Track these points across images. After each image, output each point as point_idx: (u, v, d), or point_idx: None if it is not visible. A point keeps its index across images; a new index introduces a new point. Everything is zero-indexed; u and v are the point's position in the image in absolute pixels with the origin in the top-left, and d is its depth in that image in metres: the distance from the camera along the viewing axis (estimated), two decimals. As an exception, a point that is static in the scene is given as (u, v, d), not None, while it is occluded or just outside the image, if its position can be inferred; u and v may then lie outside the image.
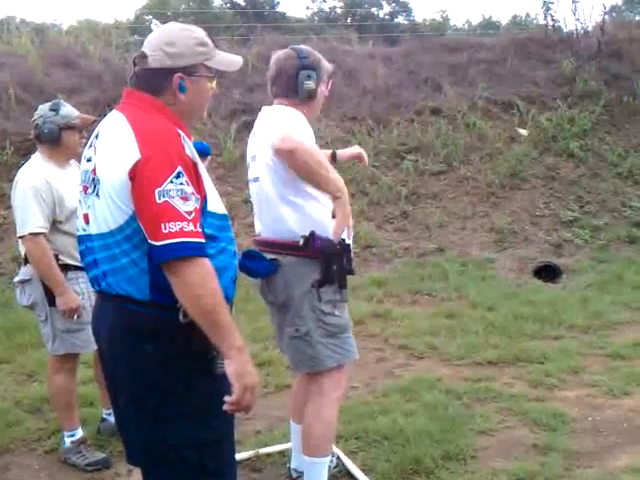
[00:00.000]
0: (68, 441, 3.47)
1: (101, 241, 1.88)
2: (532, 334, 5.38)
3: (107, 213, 1.85)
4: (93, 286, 2.02)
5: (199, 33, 1.98)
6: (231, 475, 2.03)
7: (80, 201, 2.01)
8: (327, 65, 2.86)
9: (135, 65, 1.97)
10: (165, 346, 1.86)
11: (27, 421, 3.95)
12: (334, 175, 2.62)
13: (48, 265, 3.24)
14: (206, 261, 1.79)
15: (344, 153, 3.28)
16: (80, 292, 3.32)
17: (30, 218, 3.22)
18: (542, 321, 5.63)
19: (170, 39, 1.93)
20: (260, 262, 2.72)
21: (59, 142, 3.36)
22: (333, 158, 3.20)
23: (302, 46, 2.87)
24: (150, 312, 1.86)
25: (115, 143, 1.86)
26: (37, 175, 3.29)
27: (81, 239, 2.01)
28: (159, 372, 1.87)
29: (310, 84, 2.75)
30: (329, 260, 2.68)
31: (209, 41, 1.99)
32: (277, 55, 2.83)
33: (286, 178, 2.67)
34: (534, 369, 4.59)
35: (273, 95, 2.86)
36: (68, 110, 3.41)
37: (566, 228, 8.10)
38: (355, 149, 3.32)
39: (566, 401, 4.05)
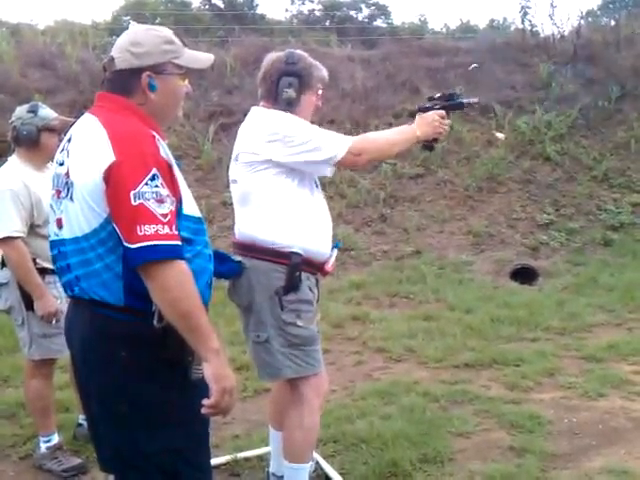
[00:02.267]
0: (44, 447, 3.44)
1: (75, 245, 1.87)
2: (509, 336, 5.42)
3: (81, 217, 1.83)
4: (66, 291, 2.00)
5: (165, 32, 1.98)
6: (207, 480, 2.02)
7: (52, 206, 1.99)
8: (321, 74, 2.77)
9: (105, 70, 1.97)
10: (139, 352, 1.85)
11: (2, 427, 3.90)
12: None
13: (26, 269, 3.20)
14: (183, 264, 1.78)
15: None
16: (58, 296, 3.28)
17: (7, 222, 3.18)
18: (518, 323, 5.68)
19: (135, 39, 1.93)
20: (225, 263, 2.64)
21: (37, 144, 3.32)
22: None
23: (297, 51, 2.78)
24: (124, 317, 1.85)
25: (89, 146, 1.84)
26: (15, 178, 3.25)
27: (53, 244, 1.99)
28: (133, 378, 1.86)
29: (289, 92, 2.67)
30: (296, 267, 2.64)
31: (176, 39, 1.98)
32: (269, 57, 2.76)
33: (262, 184, 2.65)
34: (510, 371, 4.62)
35: (259, 96, 2.80)
36: (46, 112, 3.38)
37: (542, 231, 8.18)
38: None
39: (542, 403, 4.09)
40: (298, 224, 2.66)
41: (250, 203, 2.70)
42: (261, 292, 2.65)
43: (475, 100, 3.08)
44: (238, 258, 2.69)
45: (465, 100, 3.03)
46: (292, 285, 2.64)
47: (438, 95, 3.03)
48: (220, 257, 2.65)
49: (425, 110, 2.91)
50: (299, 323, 2.67)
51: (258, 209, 2.68)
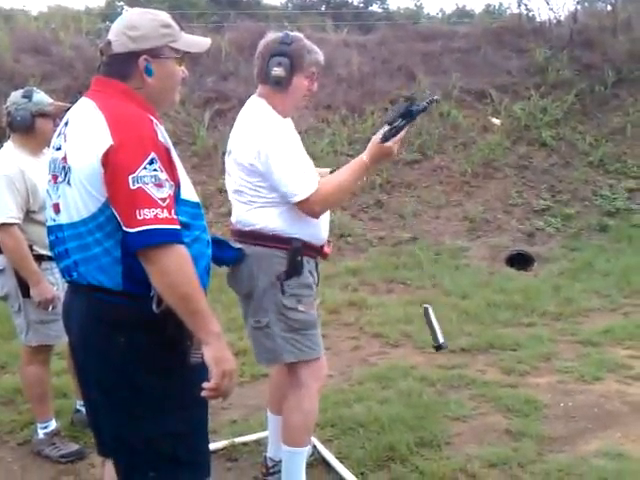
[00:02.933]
0: (41, 433, 3.44)
1: (73, 230, 1.86)
2: (505, 321, 5.44)
3: (79, 201, 1.82)
4: (64, 276, 2.00)
5: (162, 15, 1.96)
6: (205, 465, 2.03)
7: (48, 191, 1.98)
8: (315, 58, 2.71)
9: (102, 54, 1.95)
10: (138, 336, 1.85)
11: (-1, 413, 3.91)
12: None
13: (22, 255, 3.19)
14: (182, 248, 1.78)
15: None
16: (55, 283, 3.27)
17: (3, 208, 3.16)
18: (515, 309, 5.70)
19: (132, 23, 1.92)
20: (225, 250, 2.66)
21: (32, 130, 3.30)
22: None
23: (293, 33, 2.73)
24: (123, 302, 1.85)
25: (86, 130, 1.83)
26: (10, 164, 3.23)
27: (51, 229, 1.98)
28: (131, 363, 1.86)
29: (278, 71, 2.62)
30: (297, 251, 2.65)
31: (173, 23, 1.96)
32: (265, 37, 2.73)
33: (257, 185, 2.64)
34: (507, 356, 4.64)
35: (255, 78, 2.76)
36: (41, 97, 3.35)
37: (538, 217, 8.18)
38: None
39: (538, 387, 4.11)
40: (296, 211, 2.65)
41: (247, 195, 2.69)
42: (262, 278, 2.65)
43: (436, 97, 2.86)
44: (238, 245, 2.69)
45: (426, 101, 2.75)
46: (294, 270, 2.65)
47: (397, 107, 2.79)
48: (220, 244, 2.65)
49: (392, 129, 2.67)
50: (300, 308, 2.68)
51: (256, 199, 2.67)
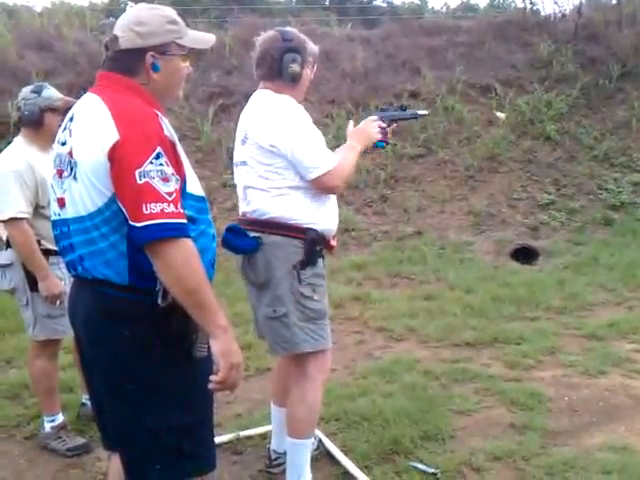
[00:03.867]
0: (48, 426, 3.46)
1: (78, 224, 1.87)
2: (509, 315, 5.44)
3: (85, 196, 1.83)
4: (69, 271, 2.01)
5: (169, 12, 1.97)
6: (210, 458, 2.04)
7: (53, 185, 1.99)
8: (313, 48, 2.82)
9: (107, 49, 1.96)
10: (143, 330, 1.86)
11: (6, 407, 3.92)
12: None
13: (31, 250, 3.21)
14: (189, 241, 1.79)
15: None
16: (62, 277, 3.29)
17: (12, 202, 3.18)
18: (519, 303, 5.70)
19: (139, 19, 1.92)
20: (243, 239, 2.69)
21: (41, 124, 3.32)
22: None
23: (287, 28, 2.83)
24: (128, 296, 1.86)
25: (92, 125, 1.84)
26: (20, 159, 3.25)
27: (55, 224, 1.99)
28: (137, 356, 1.87)
29: (295, 67, 2.71)
30: (313, 241, 2.69)
31: (179, 19, 1.97)
32: (262, 37, 2.79)
33: (278, 167, 2.67)
34: (511, 350, 4.65)
35: (258, 77, 2.82)
36: (50, 92, 3.38)
37: (543, 211, 8.17)
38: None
39: (543, 381, 4.12)
40: (312, 201, 2.70)
41: (268, 180, 2.71)
42: (280, 267, 2.68)
43: (425, 112, 3.30)
44: (254, 234, 2.71)
45: (419, 112, 3.27)
46: (310, 259, 2.69)
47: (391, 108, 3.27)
48: (237, 232, 2.67)
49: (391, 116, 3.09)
50: (315, 297, 2.72)
51: (277, 184, 2.69)
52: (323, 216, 2.75)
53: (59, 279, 3.28)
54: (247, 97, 2.87)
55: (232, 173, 3.00)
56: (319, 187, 2.68)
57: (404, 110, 3.14)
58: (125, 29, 1.92)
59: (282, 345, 2.79)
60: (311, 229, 2.69)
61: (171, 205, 1.75)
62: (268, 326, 2.79)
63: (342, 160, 2.73)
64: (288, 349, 2.80)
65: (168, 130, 1.87)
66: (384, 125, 3.01)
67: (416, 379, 4.11)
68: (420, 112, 3.26)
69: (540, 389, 3.95)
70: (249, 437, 3.45)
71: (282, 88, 2.75)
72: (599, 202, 8.33)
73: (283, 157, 2.65)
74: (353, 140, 2.88)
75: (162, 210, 1.74)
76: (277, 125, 2.65)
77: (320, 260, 2.76)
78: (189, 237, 1.80)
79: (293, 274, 2.67)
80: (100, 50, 1.98)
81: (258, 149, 2.70)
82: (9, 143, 3.48)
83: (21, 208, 3.19)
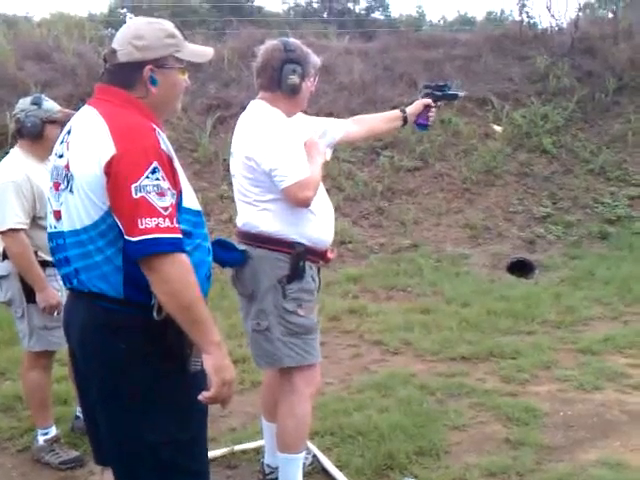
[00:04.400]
0: (41, 439, 3.45)
1: (74, 238, 1.87)
2: (505, 329, 5.43)
3: (81, 209, 1.84)
4: (65, 283, 2.02)
5: (167, 25, 1.98)
6: (204, 473, 2.04)
7: (49, 198, 2.00)
8: (315, 60, 2.82)
9: (105, 62, 1.97)
10: (138, 344, 1.86)
11: (-1, 419, 3.91)
12: None
13: (28, 261, 3.21)
14: (184, 257, 1.79)
15: (414, 108, 3.27)
16: (59, 288, 3.28)
17: (10, 213, 3.19)
18: (515, 316, 5.69)
19: (138, 32, 1.93)
20: (230, 252, 2.70)
21: (42, 136, 3.33)
22: (404, 121, 3.27)
23: (291, 39, 2.82)
24: (123, 309, 1.86)
25: (89, 138, 1.85)
26: (18, 170, 3.26)
27: (51, 236, 2.00)
28: (132, 370, 1.87)
29: (294, 78, 2.71)
30: (299, 256, 2.68)
31: (178, 33, 1.99)
32: (265, 47, 2.79)
33: (257, 180, 2.68)
34: (507, 364, 4.64)
35: (258, 87, 2.83)
36: (50, 104, 3.39)
37: (539, 224, 8.18)
38: (422, 100, 3.28)
39: (538, 396, 4.11)
40: (301, 214, 2.69)
41: (250, 194, 2.72)
42: (265, 280, 2.68)
43: (464, 93, 3.44)
44: (242, 247, 2.71)
45: (460, 93, 3.39)
46: (296, 274, 2.69)
47: (433, 84, 3.32)
48: (225, 246, 2.68)
49: (433, 94, 3.24)
50: (300, 312, 2.71)
51: (259, 198, 2.70)
52: (313, 229, 2.74)
53: (56, 290, 3.28)
54: (245, 109, 2.89)
55: (228, 185, 3.02)
56: (290, 198, 2.63)
57: (448, 88, 3.23)
58: (123, 43, 1.93)
59: (265, 359, 2.80)
60: (298, 243, 2.69)
61: (166, 220, 1.76)
62: (253, 339, 2.81)
63: (313, 171, 2.69)
64: (270, 363, 2.80)
65: (165, 144, 1.88)
66: (433, 105, 3.17)
67: (412, 393, 4.09)
68: (461, 93, 3.40)
69: (535, 404, 3.94)
70: (243, 451, 3.44)
71: (280, 98, 2.76)
72: (595, 216, 8.34)
73: (260, 169, 2.65)
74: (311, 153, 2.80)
75: (157, 225, 1.74)
76: (253, 138, 2.67)
77: (310, 275, 2.75)
78: (184, 252, 1.80)
79: (278, 288, 2.67)
80: (98, 61, 1.99)
81: (241, 162, 2.72)
82: (7, 154, 3.49)
83: (19, 219, 3.19)
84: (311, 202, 2.65)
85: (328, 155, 2.99)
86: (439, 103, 3.27)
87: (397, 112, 3.29)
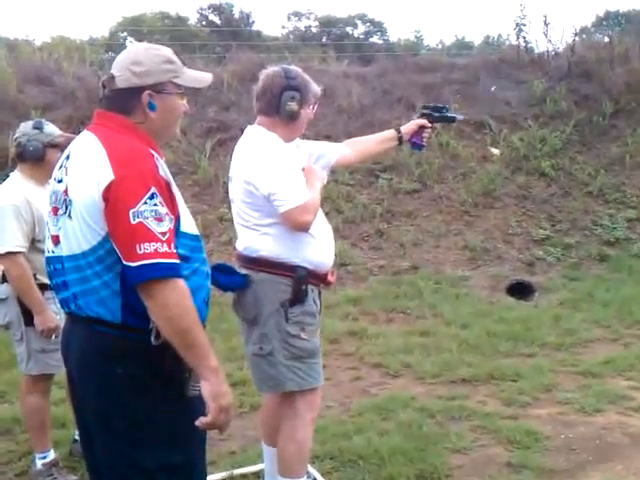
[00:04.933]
0: (39, 463, 3.42)
1: (72, 262, 1.87)
2: (505, 352, 5.42)
3: (79, 234, 1.84)
4: (63, 308, 2.02)
5: (165, 51, 2.00)
6: (203, 498, 2.02)
7: (48, 222, 2.01)
8: (315, 89, 2.85)
9: (104, 88, 1.98)
10: (136, 368, 1.86)
11: (-3, 443, 3.88)
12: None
13: (27, 284, 3.21)
14: (181, 282, 1.79)
15: (409, 128, 3.27)
16: (57, 312, 3.28)
17: (10, 237, 3.20)
18: (515, 339, 5.68)
19: (136, 58, 1.95)
20: (231, 276, 2.70)
21: (43, 160, 3.35)
22: (400, 141, 3.27)
23: (292, 67, 2.86)
24: (121, 334, 1.86)
25: (88, 164, 1.85)
26: (17, 193, 3.28)
27: (49, 260, 2.00)
28: (129, 394, 1.86)
29: (292, 105, 2.73)
30: (301, 280, 2.68)
31: (176, 59, 2.00)
32: (265, 72, 2.82)
33: (256, 205, 2.69)
34: (507, 387, 4.62)
35: (257, 111, 2.85)
36: (51, 128, 3.42)
37: (538, 246, 8.19)
38: (417, 120, 3.30)
39: (539, 419, 4.09)
40: (301, 238, 2.69)
41: (251, 219, 2.72)
42: (267, 304, 2.68)
43: (462, 117, 3.47)
44: (243, 271, 2.71)
45: (458, 116, 3.40)
46: (298, 297, 2.68)
47: (432, 105, 3.37)
48: (225, 270, 2.68)
49: (431, 114, 3.26)
50: (303, 335, 2.71)
51: (259, 222, 2.71)
52: (314, 252, 2.74)
53: (54, 313, 3.27)
54: (244, 132, 2.91)
55: (228, 207, 3.03)
56: (289, 222, 2.63)
57: (446, 110, 3.27)
58: (122, 68, 1.95)
59: (267, 383, 2.79)
60: (300, 267, 2.69)
61: (164, 245, 1.76)
62: (255, 363, 2.79)
63: (313, 195, 2.69)
64: (273, 387, 2.79)
65: (163, 170, 1.88)
66: (428, 125, 3.19)
67: (412, 416, 4.07)
68: (459, 116, 3.43)
69: (536, 427, 3.92)
70: (243, 475, 3.42)
71: (277, 124, 2.77)
72: (594, 238, 8.35)
73: (259, 193, 2.65)
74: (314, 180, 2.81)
75: (156, 250, 1.75)
76: (253, 162, 2.68)
77: (312, 298, 2.75)
78: (182, 277, 1.80)
79: (280, 312, 2.67)
80: (99, 84, 2.01)
81: (240, 186, 2.73)
82: (7, 176, 3.50)
83: (18, 242, 3.20)
84: (311, 226, 2.66)
85: (324, 179, 3.01)
86: (435, 124, 3.30)
87: (392, 132, 3.30)
